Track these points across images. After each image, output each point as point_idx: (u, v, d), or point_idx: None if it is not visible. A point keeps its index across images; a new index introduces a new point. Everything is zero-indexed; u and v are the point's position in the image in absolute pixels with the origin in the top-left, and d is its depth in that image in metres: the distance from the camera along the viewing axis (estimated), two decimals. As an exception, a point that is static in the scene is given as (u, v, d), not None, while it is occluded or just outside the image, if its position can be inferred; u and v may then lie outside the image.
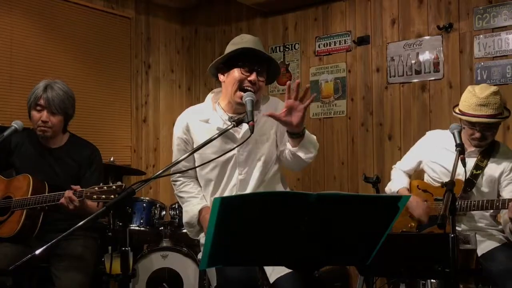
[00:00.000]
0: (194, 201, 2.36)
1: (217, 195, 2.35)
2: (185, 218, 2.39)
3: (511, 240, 2.63)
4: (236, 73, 2.23)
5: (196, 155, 2.31)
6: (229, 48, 2.29)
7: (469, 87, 2.67)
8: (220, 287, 2.20)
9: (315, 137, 2.33)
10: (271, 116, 2.09)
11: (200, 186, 2.42)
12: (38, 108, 2.60)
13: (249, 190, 2.31)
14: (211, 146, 2.16)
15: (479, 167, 2.66)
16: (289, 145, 2.23)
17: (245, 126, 2.18)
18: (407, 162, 2.97)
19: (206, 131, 2.27)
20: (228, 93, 2.28)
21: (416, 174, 3.04)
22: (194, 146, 2.33)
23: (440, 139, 2.83)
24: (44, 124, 2.60)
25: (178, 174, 2.39)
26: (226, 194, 2.33)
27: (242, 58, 2.22)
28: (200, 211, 2.32)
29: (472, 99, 2.58)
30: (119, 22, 4.46)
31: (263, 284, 2.34)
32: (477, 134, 2.58)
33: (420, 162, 2.91)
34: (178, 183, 2.43)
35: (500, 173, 2.65)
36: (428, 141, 2.91)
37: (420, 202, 2.73)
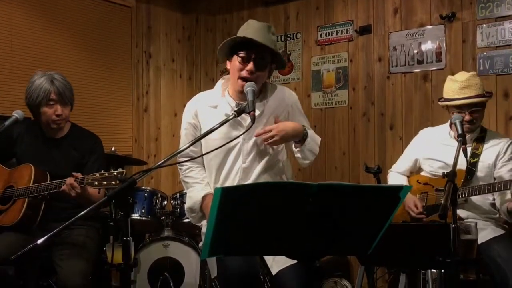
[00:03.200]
0: (198, 187, 2.37)
1: (220, 181, 2.36)
2: (187, 204, 2.40)
3: (509, 223, 2.65)
4: (236, 62, 2.25)
5: (202, 141, 2.33)
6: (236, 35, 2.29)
7: (448, 76, 2.80)
8: (220, 277, 2.21)
9: (318, 140, 2.42)
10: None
11: (206, 173, 2.43)
12: (51, 103, 2.58)
13: (251, 178, 2.32)
14: (217, 132, 2.16)
15: (475, 155, 2.69)
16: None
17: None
18: (402, 163, 3.00)
19: (214, 117, 2.28)
20: (234, 83, 2.30)
21: (413, 173, 3.04)
22: (202, 132, 2.34)
23: (435, 135, 2.88)
24: (59, 117, 2.59)
25: (185, 159, 2.40)
26: (228, 181, 2.34)
27: (240, 47, 2.22)
28: (203, 198, 2.33)
29: (454, 84, 2.69)
30: (119, 11, 4.43)
31: (263, 274, 2.34)
32: (467, 117, 2.64)
33: (416, 161, 2.93)
34: (184, 167, 2.44)
35: (495, 156, 2.69)
36: (422, 139, 2.95)
37: (412, 200, 2.75)
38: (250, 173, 2.32)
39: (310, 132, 2.36)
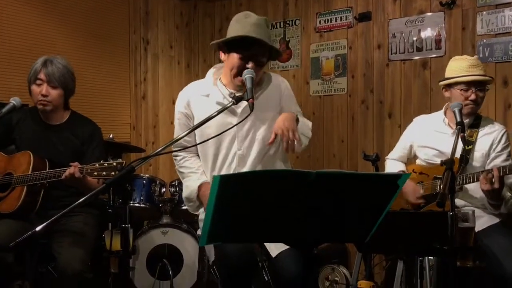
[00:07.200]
0: (194, 176, 2.38)
1: (216, 170, 2.37)
2: (184, 193, 2.42)
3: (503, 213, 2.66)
4: (235, 59, 2.23)
5: (196, 130, 2.31)
6: (232, 27, 2.26)
7: (454, 57, 2.79)
8: (218, 263, 2.22)
9: (310, 124, 2.40)
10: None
11: (201, 161, 2.44)
12: (38, 82, 2.59)
13: (248, 166, 2.32)
14: (211, 120, 2.15)
15: (469, 142, 2.69)
16: None
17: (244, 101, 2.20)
18: (398, 150, 2.99)
19: (206, 105, 2.28)
20: (228, 74, 2.29)
21: (409, 160, 3.04)
22: (195, 121, 2.35)
23: (429, 123, 2.86)
24: (44, 97, 2.59)
25: (178, 148, 2.40)
26: (224, 169, 2.34)
27: (241, 45, 2.21)
28: (199, 187, 2.34)
29: (464, 62, 2.70)
30: (117, -4, 4.40)
31: (262, 260, 2.36)
32: (473, 96, 2.64)
33: (411, 147, 2.93)
34: (178, 158, 2.45)
35: (490, 145, 2.68)
36: (417, 126, 2.93)
37: (412, 186, 2.74)
38: (246, 160, 2.32)
39: (300, 117, 2.36)
